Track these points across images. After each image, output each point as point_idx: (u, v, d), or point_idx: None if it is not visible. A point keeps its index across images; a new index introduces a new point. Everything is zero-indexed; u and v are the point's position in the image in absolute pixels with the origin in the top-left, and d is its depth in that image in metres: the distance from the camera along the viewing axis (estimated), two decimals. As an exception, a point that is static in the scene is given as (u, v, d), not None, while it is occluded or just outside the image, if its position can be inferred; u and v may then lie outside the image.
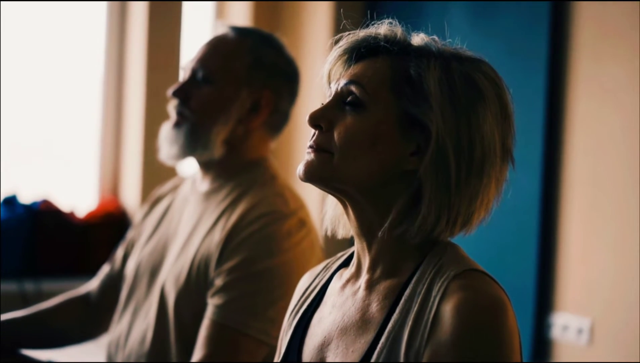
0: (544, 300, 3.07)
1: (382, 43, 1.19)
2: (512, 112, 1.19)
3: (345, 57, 1.22)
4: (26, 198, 3.50)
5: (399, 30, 1.22)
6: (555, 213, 3.07)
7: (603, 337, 2.90)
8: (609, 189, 2.92)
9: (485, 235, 3.07)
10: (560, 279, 3.04)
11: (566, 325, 2.99)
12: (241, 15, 3.94)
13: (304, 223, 1.78)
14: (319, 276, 1.33)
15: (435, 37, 1.22)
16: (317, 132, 1.19)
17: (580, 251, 3.00)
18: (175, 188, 2.03)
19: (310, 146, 1.19)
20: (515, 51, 3.15)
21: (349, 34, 1.22)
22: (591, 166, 2.98)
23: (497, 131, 1.16)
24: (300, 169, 1.19)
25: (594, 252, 2.95)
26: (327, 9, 3.77)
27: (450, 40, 1.23)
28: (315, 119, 1.19)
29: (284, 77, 1.89)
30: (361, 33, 1.22)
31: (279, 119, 1.90)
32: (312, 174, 1.18)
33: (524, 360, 1.16)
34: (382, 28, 1.22)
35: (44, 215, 3.44)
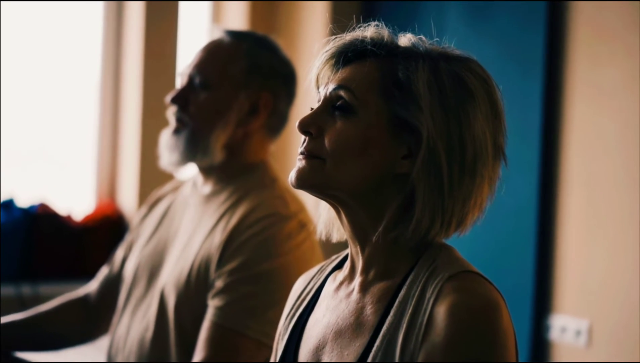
0: (541, 301, 3.08)
1: (369, 46, 1.18)
2: (502, 110, 1.19)
3: (333, 61, 1.21)
4: (23, 201, 3.49)
5: (385, 32, 1.21)
6: (553, 215, 3.07)
7: (601, 338, 2.91)
8: (607, 191, 2.92)
9: (483, 237, 3.10)
10: (558, 281, 3.05)
11: (564, 326, 2.99)
12: (237, 16, 3.93)
13: (304, 225, 1.78)
14: (314, 279, 1.33)
15: (422, 37, 1.21)
16: (307, 138, 1.19)
17: (578, 253, 3.00)
18: (174, 190, 2.03)
19: (302, 153, 1.19)
20: (512, 52, 3.15)
21: (336, 37, 1.21)
22: (588, 167, 2.98)
23: (488, 130, 1.16)
24: (292, 176, 1.19)
25: (591, 254, 2.95)
26: (323, 10, 3.77)
27: (438, 39, 1.21)
28: (305, 126, 1.18)
29: (281, 78, 1.90)
30: (348, 37, 1.21)
31: (277, 121, 1.91)
32: (304, 181, 1.18)
33: (521, 362, 1.16)
34: (369, 31, 1.21)
35: (41, 219, 3.43)
